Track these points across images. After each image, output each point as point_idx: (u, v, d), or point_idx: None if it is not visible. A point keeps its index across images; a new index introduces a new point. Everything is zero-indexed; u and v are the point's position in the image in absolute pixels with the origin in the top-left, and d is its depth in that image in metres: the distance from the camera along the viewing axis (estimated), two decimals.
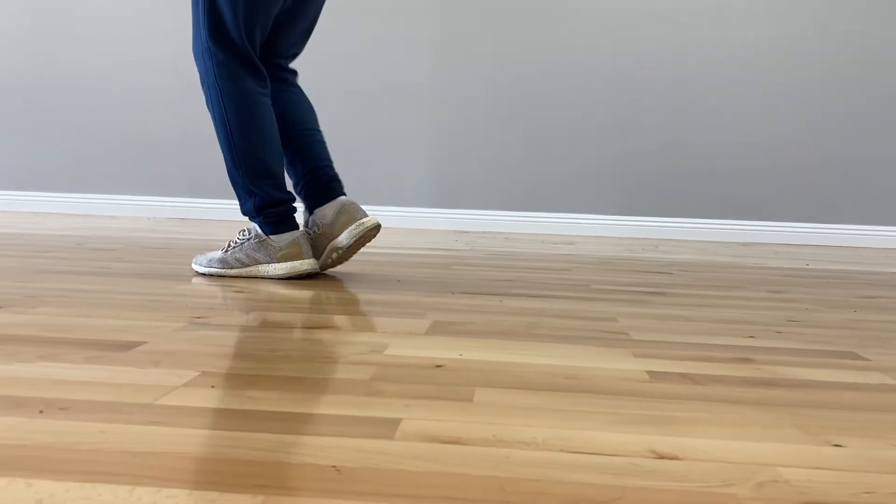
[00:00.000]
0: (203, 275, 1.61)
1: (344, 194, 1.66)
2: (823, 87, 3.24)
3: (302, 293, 1.41)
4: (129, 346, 0.94)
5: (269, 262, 1.57)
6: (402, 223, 3.44)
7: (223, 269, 1.60)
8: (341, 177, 3.37)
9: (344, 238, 1.61)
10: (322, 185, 1.65)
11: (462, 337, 1.06)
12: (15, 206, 3.59)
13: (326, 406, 0.72)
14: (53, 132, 3.56)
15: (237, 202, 3.48)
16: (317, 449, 0.61)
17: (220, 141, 1.58)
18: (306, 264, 1.57)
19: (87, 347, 0.92)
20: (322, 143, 1.69)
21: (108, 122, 3.54)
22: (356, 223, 1.61)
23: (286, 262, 1.57)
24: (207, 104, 1.58)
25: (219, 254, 1.62)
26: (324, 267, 1.66)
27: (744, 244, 3.11)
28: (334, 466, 0.57)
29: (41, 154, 3.58)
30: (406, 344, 1.00)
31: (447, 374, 0.85)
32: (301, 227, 1.63)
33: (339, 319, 1.16)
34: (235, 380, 0.80)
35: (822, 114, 3.25)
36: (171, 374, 0.82)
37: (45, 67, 3.54)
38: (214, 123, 1.57)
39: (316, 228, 1.64)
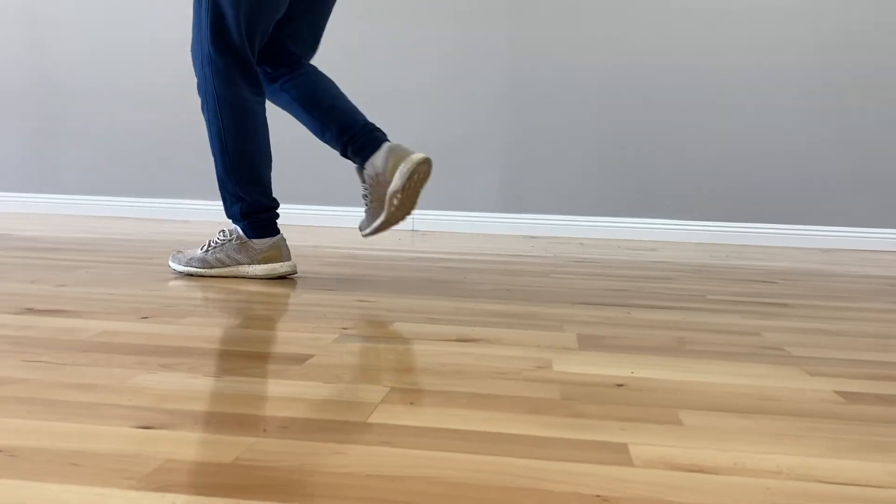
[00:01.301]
0: (182, 274, 1.64)
1: (387, 140, 1.61)
2: None
3: (425, 303, 1.40)
4: (301, 359, 0.94)
5: (249, 264, 1.62)
6: (469, 228, 3.43)
7: (203, 268, 1.63)
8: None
9: (397, 180, 1.54)
10: (364, 137, 1.59)
11: (619, 353, 1.04)
12: (83, 209, 3.66)
13: (541, 427, 0.71)
14: (124, 140, 3.62)
15: (292, 205, 3.50)
16: (566, 475, 0.60)
17: (212, 146, 1.59)
18: (285, 266, 1.63)
19: (262, 360, 0.92)
20: (348, 101, 1.66)
21: (178, 130, 3.59)
22: (403, 161, 1.54)
23: (266, 264, 1.62)
24: (203, 109, 1.59)
25: (199, 253, 1.65)
26: (391, 219, 1.60)
27: (824, 250, 3.04)
28: (599, 496, 0.56)
29: (111, 160, 3.64)
30: (569, 360, 0.98)
31: (637, 395, 0.83)
32: (279, 234, 1.66)
33: (481, 332, 1.15)
34: (427, 396, 0.79)
35: None
36: (362, 389, 0.81)
37: (120, 78, 3.60)
38: (209, 129, 1.58)
39: (371, 182, 1.59)
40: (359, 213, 3.40)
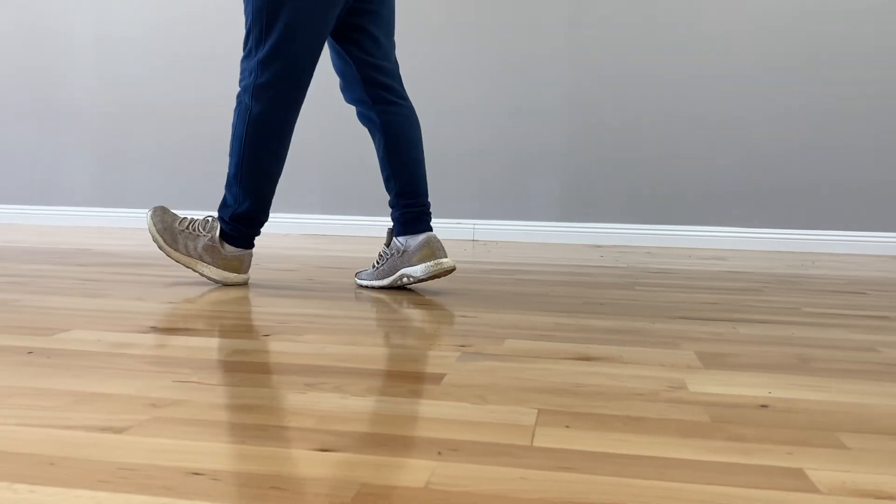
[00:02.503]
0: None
1: (430, 229, 1.73)
2: None
3: (526, 318, 1.41)
4: (436, 378, 0.95)
5: (208, 265, 1.69)
6: (528, 237, 3.43)
7: (169, 246, 1.71)
8: (471, 190, 3.40)
9: (419, 270, 1.68)
10: (417, 216, 1.72)
11: (746, 372, 1.03)
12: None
13: (708, 452, 0.71)
14: (191, 154, 3.70)
15: (364, 216, 3.54)
16: (759, 502, 0.60)
17: (231, 148, 1.64)
18: (240, 278, 1.73)
19: (399, 379, 0.94)
20: (424, 172, 1.75)
21: None
22: (435, 261, 1.67)
23: (224, 270, 1.70)
24: (235, 112, 1.65)
25: (179, 229, 1.71)
26: (389, 285, 1.73)
27: (894, 257, 2.98)
28: None
29: (178, 174, 3.72)
30: (702, 380, 0.98)
31: (786, 417, 0.83)
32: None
33: (598, 350, 1.15)
34: (579, 419, 0.80)
35: None
36: (511, 411, 0.82)
37: (186, 93, 3.68)
38: (233, 133, 1.64)
39: (395, 252, 1.71)
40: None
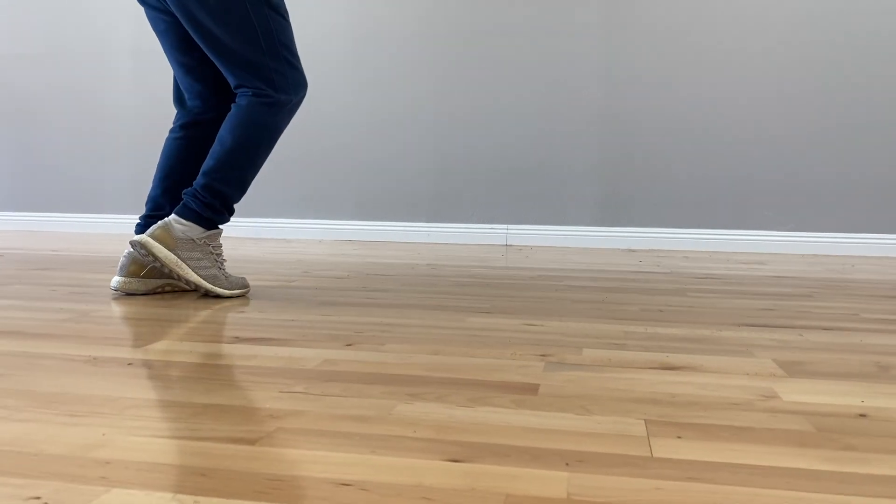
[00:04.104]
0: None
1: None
2: None
3: (592, 327, 1.43)
4: (531, 388, 0.98)
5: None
6: (561, 242, 3.45)
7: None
8: (504, 195, 3.41)
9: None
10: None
11: (832, 380, 1.05)
12: None
13: (825, 462, 0.73)
14: None
15: (397, 222, 3.57)
16: None
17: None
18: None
19: (497, 389, 0.96)
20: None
21: (278, 146, 3.69)
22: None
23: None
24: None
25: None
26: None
27: None
28: None
29: None
30: (792, 389, 1.00)
31: (888, 426, 0.85)
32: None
33: (677, 359, 1.17)
34: (687, 430, 0.82)
35: None
36: (619, 422, 0.84)
37: None
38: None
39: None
40: (439, 228, 3.45)
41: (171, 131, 1.79)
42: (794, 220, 3.25)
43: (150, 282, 1.71)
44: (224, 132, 1.66)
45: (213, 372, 1.03)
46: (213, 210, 1.66)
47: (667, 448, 0.76)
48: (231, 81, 1.68)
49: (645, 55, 3.34)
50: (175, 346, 1.19)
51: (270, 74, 1.65)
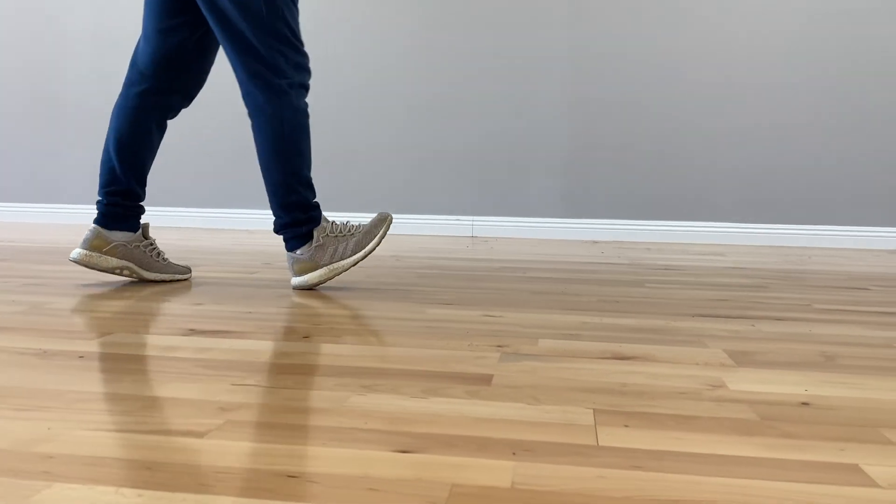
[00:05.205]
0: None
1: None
2: None
3: (550, 318, 1.44)
4: (485, 379, 0.99)
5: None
6: (526, 233, 3.47)
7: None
8: (470, 186, 3.42)
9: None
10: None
11: (778, 370, 1.07)
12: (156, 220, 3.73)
13: (766, 449, 0.75)
14: (181, 150, 3.69)
15: (364, 214, 3.55)
16: (824, 497, 0.64)
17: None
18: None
19: (451, 380, 0.97)
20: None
21: (228, 141, 3.65)
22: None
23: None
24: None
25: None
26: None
27: (891, 252, 3.05)
28: None
29: (174, 172, 3.71)
30: (739, 378, 1.02)
31: (829, 414, 0.87)
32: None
33: (630, 349, 1.19)
34: (634, 419, 0.84)
35: None
36: (568, 411, 0.86)
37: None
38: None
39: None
40: (406, 219, 3.45)
41: (125, 98, 1.72)
42: (754, 211, 3.31)
43: (111, 260, 1.69)
44: (259, 150, 1.67)
45: (165, 365, 1.02)
46: (302, 222, 1.68)
47: (613, 437, 0.77)
48: (239, 75, 1.66)
49: (609, 51, 3.36)
50: (128, 339, 1.18)
51: (275, 58, 1.62)
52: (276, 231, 1.71)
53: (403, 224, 3.55)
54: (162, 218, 3.71)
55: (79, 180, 3.78)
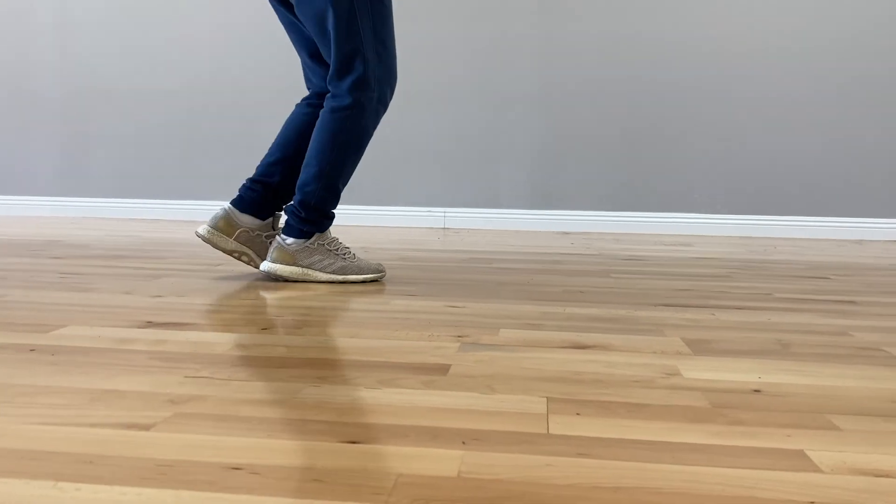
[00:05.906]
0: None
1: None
2: None
3: (513, 308, 1.44)
4: (442, 369, 0.98)
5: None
6: (498, 225, 3.47)
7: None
8: (442, 178, 3.42)
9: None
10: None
11: (733, 357, 1.08)
12: (113, 212, 3.68)
13: (714, 436, 0.76)
14: (153, 142, 3.64)
15: (336, 206, 3.53)
16: (767, 482, 0.64)
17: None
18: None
19: (407, 371, 0.97)
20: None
21: (208, 131, 3.61)
22: None
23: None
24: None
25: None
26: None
27: (855, 242, 3.10)
28: (813, 503, 0.61)
29: (141, 162, 3.66)
30: (694, 367, 1.03)
31: (779, 401, 0.88)
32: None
33: (589, 338, 1.19)
34: (587, 407, 0.84)
35: None
36: (521, 400, 0.86)
37: (147, 79, 3.62)
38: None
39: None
40: (378, 211, 3.44)
41: (298, 105, 1.78)
42: (721, 203, 3.34)
43: (231, 242, 1.71)
44: (311, 145, 1.67)
45: (118, 357, 1.01)
46: (311, 223, 1.67)
47: (564, 425, 0.78)
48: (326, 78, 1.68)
49: (579, 42, 3.37)
50: (82, 332, 1.16)
51: (358, 67, 1.62)
52: (285, 211, 1.72)
53: (376, 215, 3.53)
54: (153, 210, 3.66)
55: (41, 173, 3.71)
